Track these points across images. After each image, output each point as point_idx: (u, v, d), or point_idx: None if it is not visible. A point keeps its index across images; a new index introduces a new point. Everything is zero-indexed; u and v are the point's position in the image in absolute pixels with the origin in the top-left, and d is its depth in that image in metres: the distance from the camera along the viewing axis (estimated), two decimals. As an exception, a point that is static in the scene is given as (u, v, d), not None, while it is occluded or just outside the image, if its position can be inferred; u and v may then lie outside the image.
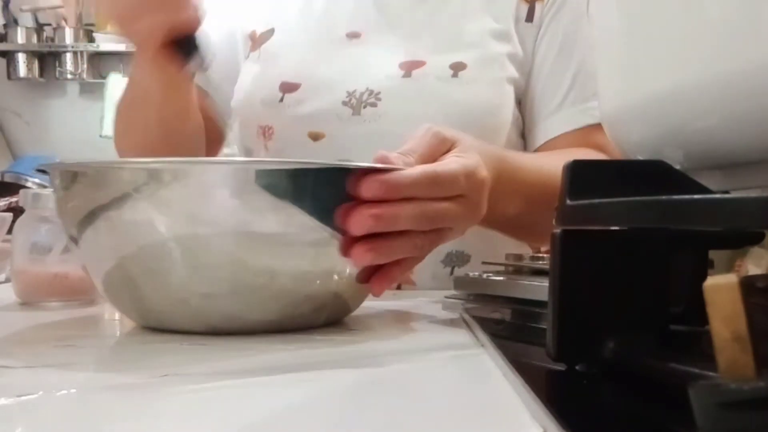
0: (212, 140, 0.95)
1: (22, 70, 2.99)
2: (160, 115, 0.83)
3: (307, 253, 0.50)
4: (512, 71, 0.88)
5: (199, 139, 0.90)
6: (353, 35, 0.90)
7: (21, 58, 2.98)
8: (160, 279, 0.50)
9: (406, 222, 0.52)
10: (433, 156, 0.57)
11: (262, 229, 0.48)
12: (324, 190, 0.49)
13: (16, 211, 0.75)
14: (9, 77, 3.02)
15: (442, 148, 0.58)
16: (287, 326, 0.52)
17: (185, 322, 0.52)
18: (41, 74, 3.04)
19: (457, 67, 0.86)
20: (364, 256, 0.51)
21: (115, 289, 0.54)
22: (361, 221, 0.50)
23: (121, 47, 2.83)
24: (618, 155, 0.44)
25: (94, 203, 0.49)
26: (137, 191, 0.47)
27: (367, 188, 0.49)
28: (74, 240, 0.53)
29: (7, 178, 2.61)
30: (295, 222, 0.48)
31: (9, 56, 3.00)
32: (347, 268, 0.53)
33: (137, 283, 0.51)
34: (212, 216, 0.48)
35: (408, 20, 0.90)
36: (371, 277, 0.54)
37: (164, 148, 0.83)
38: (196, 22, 0.72)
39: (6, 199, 1.61)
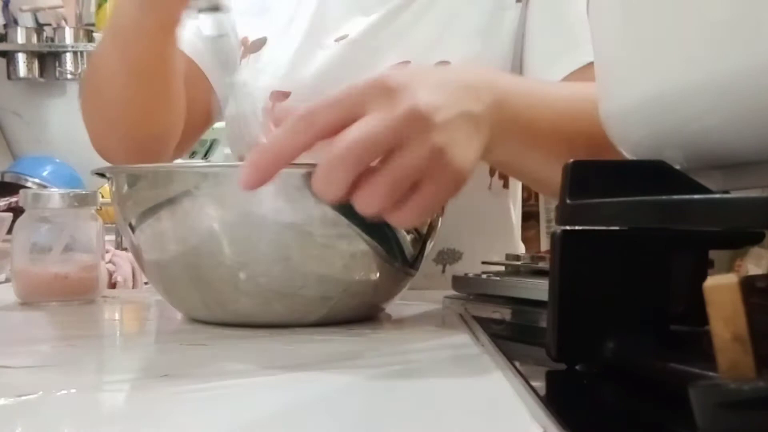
0: (197, 125, 0.94)
1: (22, 70, 2.98)
2: (139, 61, 0.76)
3: (332, 246, 0.52)
4: (500, 63, 0.88)
5: (177, 115, 0.85)
6: (340, 38, 0.90)
7: (21, 58, 2.98)
8: (210, 272, 0.53)
9: (344, 158, 0.48)
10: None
11: (303, 226, 0.51)
12: None
13: (16, 211, 0.75)
14: (9, 77, 3.01)
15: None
16: (319, 320, 0.55)
17: (228, 315, 0.54)
18: (41, 74, 3.03)
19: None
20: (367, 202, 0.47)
21: (170, 278, 0.56)
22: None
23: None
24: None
25: (153, 201, 0.53)
26: (197, 188, 0.52)
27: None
28: (132, 231, 0.56)
29: (7, 178, 2.61)
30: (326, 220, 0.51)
31: (9, 56, 2.99)
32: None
33: (192, 274, 0.54)
34: (259, 214, 0.51)
35: (395, 23, 0.91)
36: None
37: (137, 112, 0.79)
38: None
39: (6, 199, 1.61)
